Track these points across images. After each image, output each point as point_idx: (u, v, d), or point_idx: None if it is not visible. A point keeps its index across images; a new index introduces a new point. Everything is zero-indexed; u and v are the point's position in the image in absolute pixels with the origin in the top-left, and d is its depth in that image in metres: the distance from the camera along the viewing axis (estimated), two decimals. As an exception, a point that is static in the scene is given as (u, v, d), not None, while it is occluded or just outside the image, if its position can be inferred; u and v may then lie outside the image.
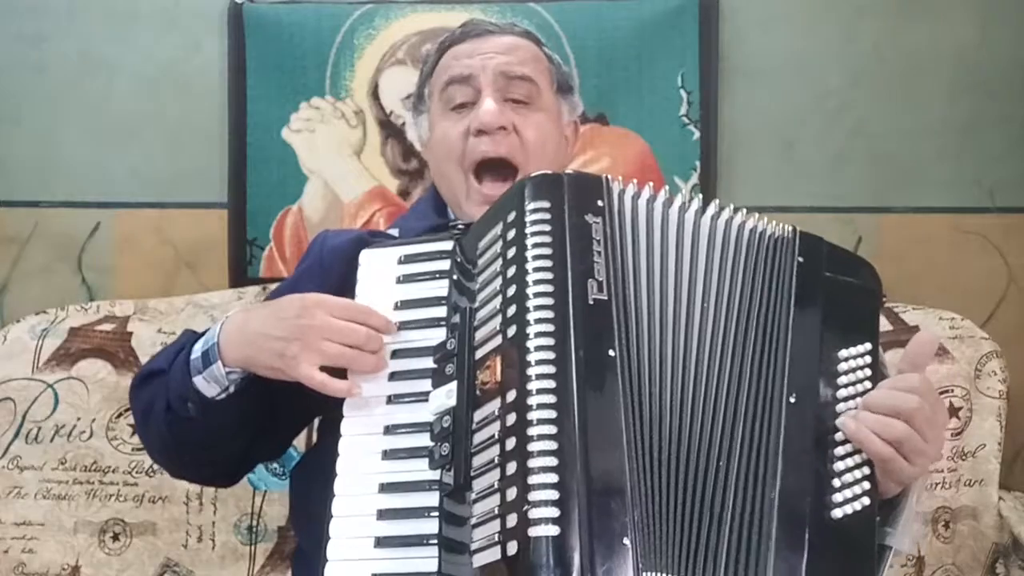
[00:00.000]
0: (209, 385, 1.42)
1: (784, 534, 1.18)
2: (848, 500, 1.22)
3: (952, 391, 2.32)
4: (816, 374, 1.29)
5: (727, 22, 2.55)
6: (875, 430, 1.24)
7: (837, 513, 1.21)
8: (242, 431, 1.49)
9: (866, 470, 1.25)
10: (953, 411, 2.30)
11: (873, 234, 2.55)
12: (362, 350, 1.30)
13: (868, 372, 1.31)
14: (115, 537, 2.30)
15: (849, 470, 1.24)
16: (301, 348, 1.31)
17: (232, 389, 1.43)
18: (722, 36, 2.55)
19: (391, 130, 2.58)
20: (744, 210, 1.37)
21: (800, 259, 1.35)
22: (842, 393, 1.29)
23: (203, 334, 1.47)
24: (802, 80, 2.57)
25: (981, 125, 2.55)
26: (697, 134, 2.54)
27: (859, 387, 1.30)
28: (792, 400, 1.26)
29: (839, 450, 1.25)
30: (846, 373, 1.30)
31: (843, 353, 1.31)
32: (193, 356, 1.43)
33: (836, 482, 1.23)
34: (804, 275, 1.34)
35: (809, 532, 1.19)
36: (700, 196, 1.37)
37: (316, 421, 1.74)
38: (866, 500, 1.23)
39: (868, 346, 1.33)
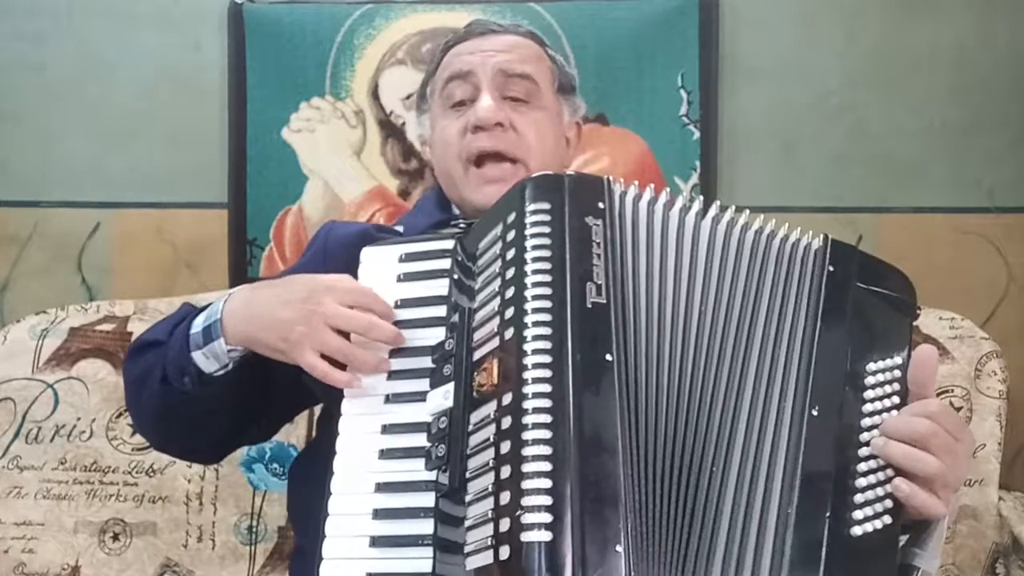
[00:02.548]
0: (208, 361, 1.41)
1: (800, 549, 1.16)
2: (869, 518, 1.19)
3: (952, 391, 2.32)
4: (842, 387, 1.25)
5: (727, 22, 2.56)
6: (907, 467, 1.20)
7: (857, 531, 1.18)
8: (234, 409, 1.48)
9: (889, 488, 1.21)
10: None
11: (873, 234, 2.55)
12: (365, 336, 1.29)
13: (897, 387, 1.26)
14: (115, 537, 2.30)
15: (871, 487, 1.21)
16: (303, 334, 1.30)
17: (231, 366, 1.42)
18: (722, 36, 2.55)
19: (391, 130, 2.58)
20: (761, 216, 1.35)
21: (831, 268, 1.33)
22: (868, 408, 1.25)
23: (204, 308, 1.46)
24: (802, 80, 2.57)
25: (981, 125, 2.55)
26: (697, 134, 2.55)
27: (887, 402, 1.25)
28: (815, 413, 1.23)
29: (862, 466, 1.22)
30: (874, 387, 1.26)
31: (872, 367, 1.27)
32: (193, 330, 1.42)
33: (858, 498, 1.20)
34: (834, 285, 1.32)
35: (826, 548, 1.16)
36: (703, 198, 1.34)
37: (315, 420, 1.74)
38: (888, 519, 1.19)
39: (899, 360, 1.29)
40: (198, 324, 1.42)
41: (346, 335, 1.31)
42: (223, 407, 1.47)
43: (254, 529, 2.32)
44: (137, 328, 2.35)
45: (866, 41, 2.56)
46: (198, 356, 1.41)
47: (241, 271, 2.60)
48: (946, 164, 2.56)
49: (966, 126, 2.55)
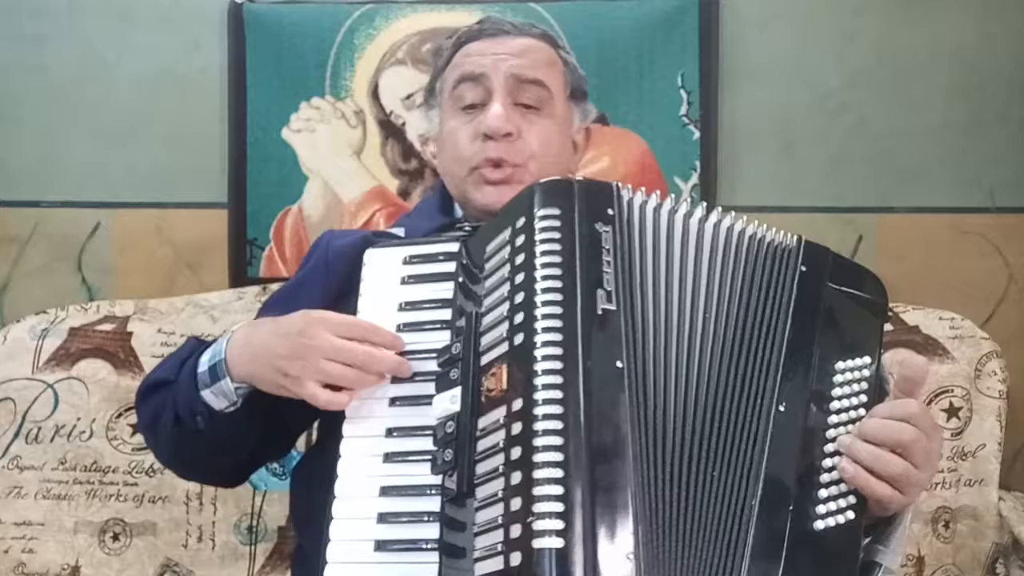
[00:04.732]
0: (218, 399, 1.42)
1: (761, 542, 1.17)
2: (832, 512, 1.21)
3: (952, 391, 2.32)
4: (809, 385, 1.27)
5: (727, 22, 2.55)
6: (871, 466, 1.22)
7: (819, 525, 1.20)
8: (249, 439, 1.49)
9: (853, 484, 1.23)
10: (953, 411, 2.31)
11: (873, 234, 2.55)
12: (364, 369, 1.29)
13: (865, 386, 1.29)
14: (115, 537, 2.30)
15: (835, 482, 1.23)
16: (302, 368, 1.30)
17: (240, 403, 1.42)
18: (722, 36, 2.55)
19: (391, 130, 2.58)
20: (744, 216, 1.36)
21: (803, 268, 1.34)
22: (835, 405, 1.27)
23: (208, 345, 1.47)
24: (802, 80, 2.57)
25: (981, 125, 2.55)
26: (697, 134, 2.54)
27: (854, 400, 1.28)
28: (781, 409, 1.24)
29: (827, 462, 1.24)
30: (841, 385, 1.28)
31: (840, 365, 1.30)
32: (200, 370, 1.43)
33: (822, 493, 1.22)
34: (805, 285, 1.33)
35: (788, 541, 1.18)
36: (713, 207, 1.35)
37: (317, 422, 1.74)
38: (851, 514, 1.22)
39: (867, 359, 1.31)
40: (204, 363, 1.44)
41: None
42: (238, 439, 1.48)
43: (254, 529, 2.32)
44: (137, 328, 2.35)
45: (866, 41, 2.56)
46: (207, 395, 1.42)
47: (241, 271, 2.59)
48: (946, 164, 2.56)
49: (966, 126, 2.55)
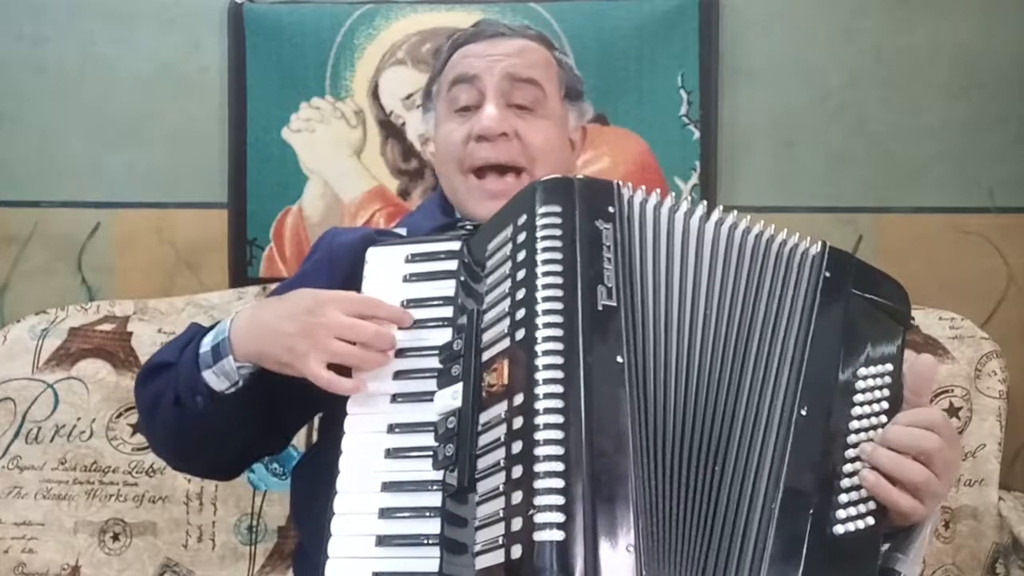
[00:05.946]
0: (219, 379, 1.42)
1: (781, 544, 1.17)
2: (852, 517, 1.21)
3: (952, 391, 2.32)
4: (831, 390, 1.27)
5: (727, 22, 2.55)
6: (892, 473, 1.21)
7: (839, 529, 1.20)
8: (248, 424, 1.48)
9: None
10: (953, 411, 2.30)
11: (873, 234, 2.55)
12: (371, 347, 1.30)
13: (887, 393, 1.29)
14: (115, 537, 2.30)
15: (856, 488, 1.22)
16: (310, 346, 1.30)
17: (241, 383, 1.42)
18: (722, 36, 2.55)
19: (391, 130, 2.58)
20: (748, 216, 1.36)
21: (827, 274, 1.34)
22: (857, 411, 1.26)
23: (211, 328, 1.47)
24: (802, 80, 2.57)
25: (981, 125, 2.55)
26: (697, 134, 2.54)
27: (875, 407, 1.27)
28: (803, 412, 1.24)
29: (847, 467, 1.23)
30: (863, 392, 1.28)
31: (863, 372, 1.29)
32: (203, 350, 1.43)
33: (842, 498, 1.22)
34: (829, 290, 1.33)
35: (807, 545, 1.18)
36: (714, 207, 1.35)
37: (317, 420, 1.74)
38: (871, 520, 1.21)
39: (889, 367, 1.31)
40: (206, 343, 1.44)
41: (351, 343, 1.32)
42: (236, 424, 1.47)
43: (254, 529, 2.32)
44: (137, 328, 2.35)
45: (866, 41, 2.56)
46: (208, 375, 1.42)
47: (241, 271, 2.60)
48: (946, 164, 2.56)
49: (966, 126, 2.55)
